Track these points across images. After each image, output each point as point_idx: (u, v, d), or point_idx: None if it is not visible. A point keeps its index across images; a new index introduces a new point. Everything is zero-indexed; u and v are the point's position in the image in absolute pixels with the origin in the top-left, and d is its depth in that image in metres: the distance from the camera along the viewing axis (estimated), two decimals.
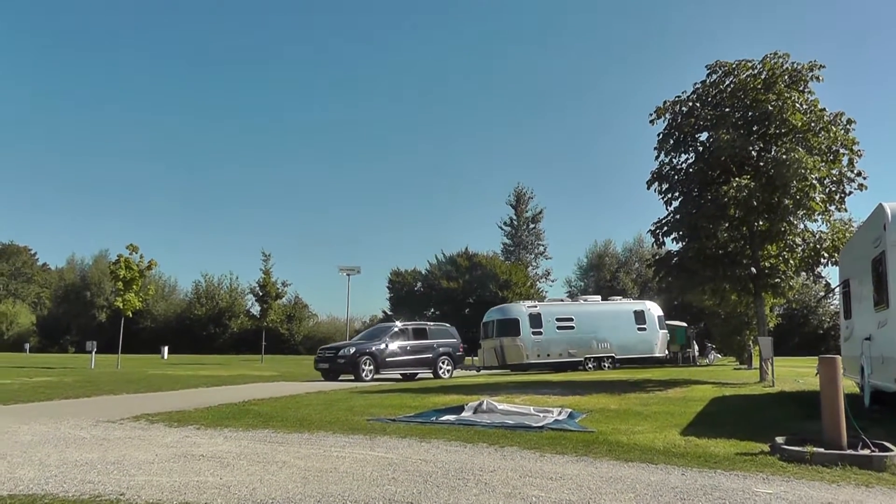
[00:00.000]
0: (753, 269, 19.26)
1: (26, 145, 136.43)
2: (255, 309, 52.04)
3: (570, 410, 11.56)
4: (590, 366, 30.00)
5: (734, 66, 19.85)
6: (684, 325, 43.73)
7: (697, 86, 20.42)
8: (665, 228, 20.12)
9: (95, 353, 34.66)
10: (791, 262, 19.13)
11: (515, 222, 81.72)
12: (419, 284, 71.77)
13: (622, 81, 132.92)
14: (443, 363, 25.71)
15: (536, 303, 31.95)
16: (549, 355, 29.40)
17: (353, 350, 23.78)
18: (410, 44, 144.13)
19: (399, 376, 25.01)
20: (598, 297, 35.26)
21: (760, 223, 18.92)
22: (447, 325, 29.56)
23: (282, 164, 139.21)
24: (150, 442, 8.73)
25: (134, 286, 32.43)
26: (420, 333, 25.96)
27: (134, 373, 26.32)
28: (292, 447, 8.31)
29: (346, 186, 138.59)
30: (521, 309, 30.22)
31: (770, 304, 24.83)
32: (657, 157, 20.85)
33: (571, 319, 30.49)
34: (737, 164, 18.87)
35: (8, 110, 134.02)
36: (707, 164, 19.38)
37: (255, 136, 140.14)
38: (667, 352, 33.98)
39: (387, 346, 24.43)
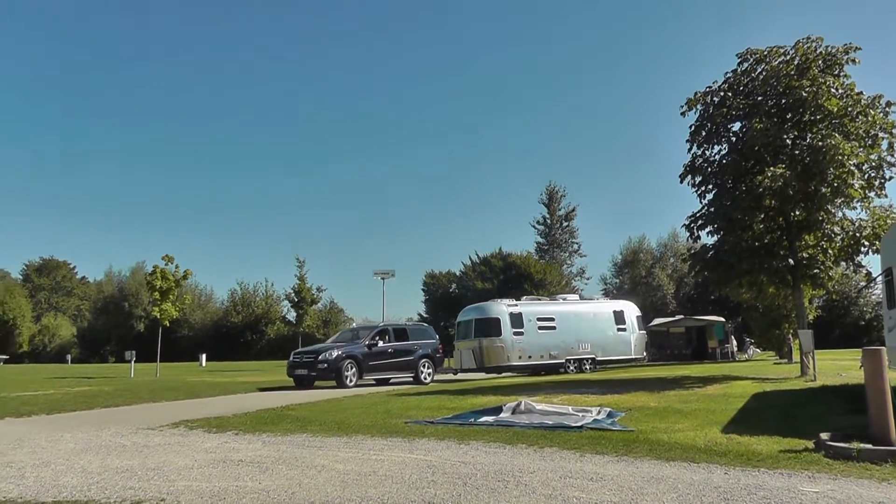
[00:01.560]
0: (791, 261, 18.93)
1: (62, 163, 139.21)
2: (291, 315, 52.42)
3: (608, 409, 11.43)
4: (571, 368, 28.36)
5: (765, 53, 19.51)
6: (722, 319, 43.18)
7: (728, 75, 20.12)
8: (700, 222, 19.85)
9: (135, 362, 35.16)
10: (830, 251, 18.77)
11: (548, 221, 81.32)
12: (454, 286, 71.78)
13: (653, 75, 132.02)
14: (423, 366, 23.69)
15: (517, 301, 29.58)
16: (530, 357, 27.60)
17: (335, 354, 21.35)
18: (440, 43, 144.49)
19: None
20: (577, 296, 33.67)
21: (797, 213, 18.55)
22: (424, 324, 28.42)
23: (315, 169, 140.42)
24: (189, 448, 8.83)
25: (170, 296, 32.76)
26: (400, 334, 24.04)
27: (173, 380, 26.60)
28: (330, 451, 8.32)
29: (380, 190, 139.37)
30: (502, 308, 28.10)
31: (809, 296, 24.43)
32: (689, 150, 20.62)
33: (553, 319, 28.84)
34: (771, 153, 18.56)
35: (45, 130, 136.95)
36: (740, 155, 19.10)
37: (288, 142, 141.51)
38: (644, 353, 32.67)
39: (369, 348, 22.33)
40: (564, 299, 31.85)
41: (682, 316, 50.58)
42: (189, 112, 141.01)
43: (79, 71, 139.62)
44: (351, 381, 21.17)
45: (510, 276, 66.43)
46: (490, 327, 27.28)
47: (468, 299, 67.67)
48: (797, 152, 18.05)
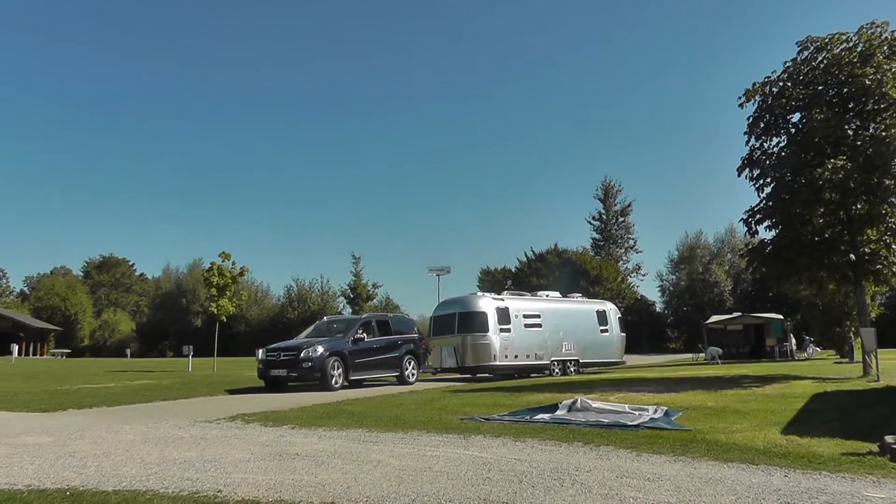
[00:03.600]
0: (852, 256, 18.41)
1: (119, 162, 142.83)
2: (347, 311, 52.77)
3: (665, 408, 11.28)
4: (556, 370, 26.22)
5: (827, 40, 18.95)
6: (780, 317, 42.29)
7: (788, 64, 19.61)
8: (758, 216, 19.48)
9: (192, 356, 35.86)
10: (893, 246, 18.19)
11: (604, 216, 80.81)
12: (509, 282, 71.66)
13: (709, 67, 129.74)
14: (408, 364, 21.09)
15: (502, 296, 26.83)
16: (516, 357, 25.08)
17: (319, 350, 18.39)
18: (489, 43, 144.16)
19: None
20: (559, 294, 31.63)
21: (859, 206, 18.04)
22: (405, 315, 26.03)
23: (371, 166, 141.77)
24: (246, 441, 8.93)
25: (227, 292, 33.22)
26: (383, 327, 21.17)
27: (229, 375, 26.99)
28: (386, 446, 8.35)
29: (436, 186, 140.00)
30: (488, 302, 25.22)
31: (871, 293, 23.73)
32: (748, 142, 20.22)
33: (539, 317, 26.55)
34: (832, 144, 18.07)
35: (105, 133, 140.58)
36: (800, 147, 18.65)
37: (344, 139, 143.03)
38: (623, 358, 30.89)
39: (356, 343, 19.56)
40: (548, 296, 29.80)
41: (739, 313, 49.74)
42: (244, 112, 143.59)
43: (136, 74, 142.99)
44: (337, 381, 18.48)
45: (565, 273, 66.00)
46: (475, 323, 24.64)
47: None
48: (859, 143, 17.55)
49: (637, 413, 10.83)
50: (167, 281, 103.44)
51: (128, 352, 78.49)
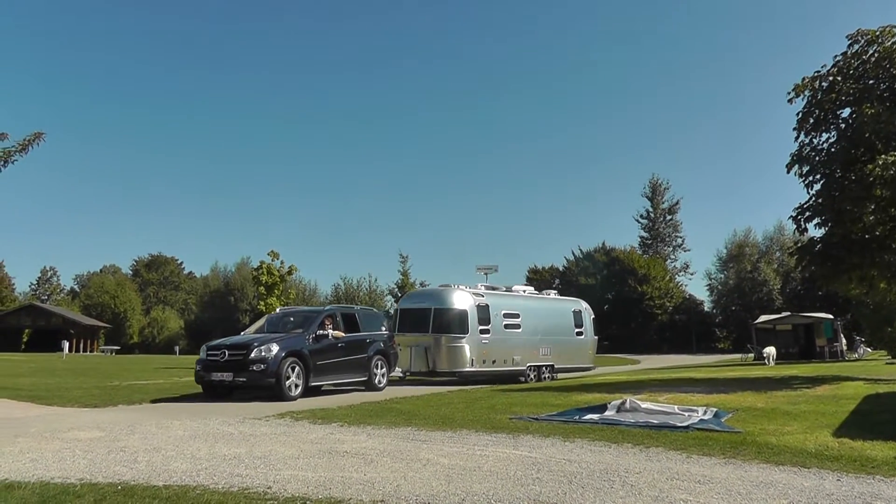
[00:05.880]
0: None
1: (168, 162, 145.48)
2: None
3: (715, 409, 11.19)
4: (531, 376, 23.13)
5: (878, 33, 18.46)
6: (830, 317, 41.52)
7: (838, 58, 19.17)
8: (807, 214, 19.10)
9: None
10: None
11: (652, 214, 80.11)
12: (557, 281, 71.47)
13: (759, 62, 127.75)
14: (377, 366, 17.80)
15: (481, 290, 23.41)
16: (494, 362, 22.03)
17: (275, 350, 14.84)
18: (542, 41, 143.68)
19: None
20: (531, 288, 28.15)
21: None
22: (373, 308, 23.18)
23: (417, 164, 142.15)
24: (295, 438, 8.98)
25: (276, 290, 33.70)
26: (349, 322, 17.73)
27: None
28: (435, 445, 8.38)
29: (482, 184, 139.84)
30: (467, 298, 21.98)
31: None
32: (797, 138, 19.80)
33: (518, 316, 23.33)
34: (883, 139, 17.63)
35: (153, 133, 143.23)
36: (850, 143, 18.25)
37: (391, 138, 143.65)
38: (594, 364, 27.99)
39: (318, 341, 16.06)
40: (524, 292, 26.48)
41: (788, 313, 48.95)
42: (292, 111, 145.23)
43: (184, 70, 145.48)
44: (295, 389, 15.02)
45: (614, 272, 65.70)
46: (454, 322, 21.62)
47: (571, 295, 66.88)
48: None
49: (686, 414, 10.75)
50: (215, 279, 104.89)
51: (176, 349, 79.89)
